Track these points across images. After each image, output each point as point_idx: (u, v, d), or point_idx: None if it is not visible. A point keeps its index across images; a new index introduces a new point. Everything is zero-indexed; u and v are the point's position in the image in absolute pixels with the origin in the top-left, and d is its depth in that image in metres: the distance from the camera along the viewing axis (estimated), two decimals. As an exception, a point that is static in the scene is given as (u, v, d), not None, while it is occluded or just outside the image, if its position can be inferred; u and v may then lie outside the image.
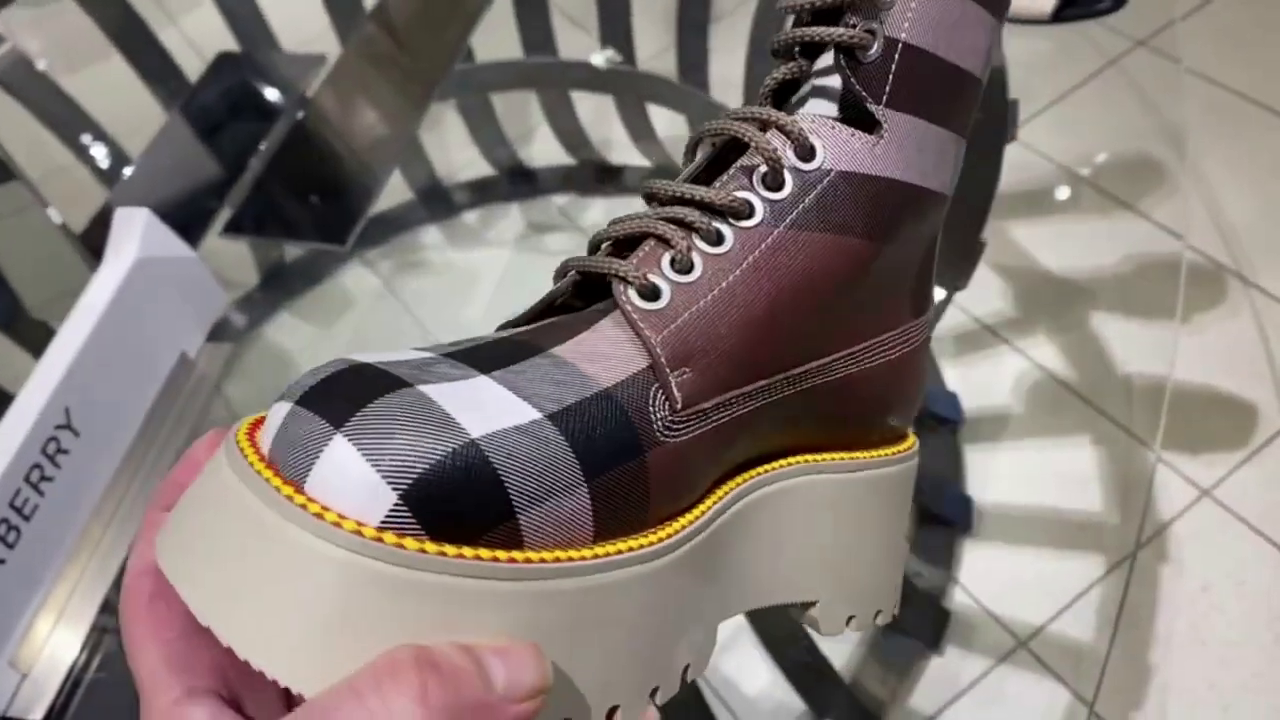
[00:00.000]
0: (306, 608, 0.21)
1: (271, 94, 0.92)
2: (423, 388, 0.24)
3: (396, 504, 0.22)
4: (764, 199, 0.29)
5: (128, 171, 0.91)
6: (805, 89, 0.31)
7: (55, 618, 0.61)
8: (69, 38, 1.11)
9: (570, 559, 0.24)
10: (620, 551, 0.25)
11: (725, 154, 0.31)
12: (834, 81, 0.30)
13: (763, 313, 0.29)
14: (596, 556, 0.25)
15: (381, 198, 0.78)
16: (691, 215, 0.29)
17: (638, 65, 1.21)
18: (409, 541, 0.22)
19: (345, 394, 0.24)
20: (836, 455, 0.33)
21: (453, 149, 1.40)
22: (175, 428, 0.65)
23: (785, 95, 0.32)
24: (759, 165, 0.29)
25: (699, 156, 0.32)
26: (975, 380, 1.09)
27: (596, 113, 1.36)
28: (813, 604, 0.33)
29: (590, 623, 0.25)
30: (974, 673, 0.89)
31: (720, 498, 0.30)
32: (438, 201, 1.36)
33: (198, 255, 0.65)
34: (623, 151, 1.35)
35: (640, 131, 1.29)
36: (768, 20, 1.04)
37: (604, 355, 0.28)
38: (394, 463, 0.22)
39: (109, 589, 0.63)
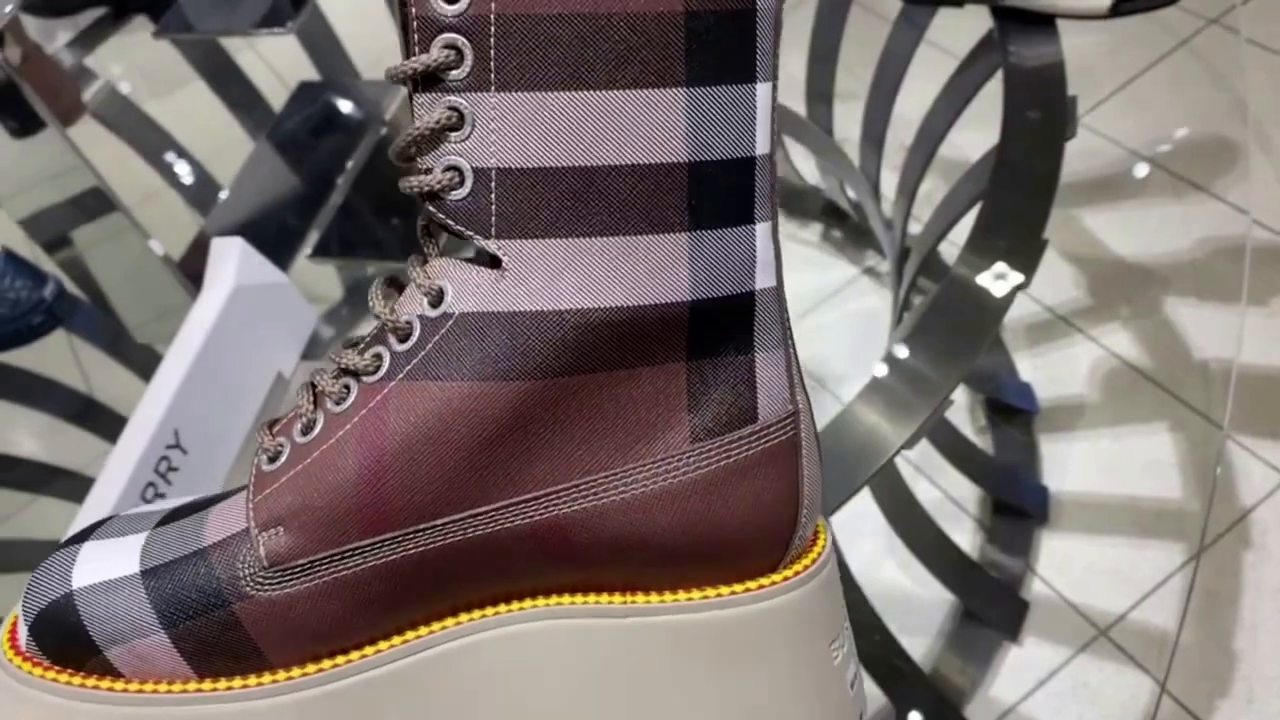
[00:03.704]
0: None
1: (352, 119, 0.95)
2: (88, 543, 0.31)
3: (28, 636, 0.29)
4: (392, 352, 0.28)
5: (222, 196, 0.95)
6: None
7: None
8: (153, 66, 1.15)
9: (157, 691, 0.29)
10: (216, 690, 0.29)
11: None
12: None
13: (370, 469, 0.27)
14: (185, 691, 0.29)
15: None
16: (324, 381, 0.29)
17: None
18: (25, 664, 0.29)
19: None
20: (616, 597, 0.29)
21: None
22: (275, 443, 0.68)
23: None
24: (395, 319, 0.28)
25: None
26: (1049, 370, 1.08)
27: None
28: None
29: None
30: (1054, 662, 0.89)
31: (418, 636, 0.29)
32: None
33: (289, 279, 0.68)
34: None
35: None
36: (826, 24, 1.05)
37: (229, 516, 0.30)
38: (31, 605, 0.29)
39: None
